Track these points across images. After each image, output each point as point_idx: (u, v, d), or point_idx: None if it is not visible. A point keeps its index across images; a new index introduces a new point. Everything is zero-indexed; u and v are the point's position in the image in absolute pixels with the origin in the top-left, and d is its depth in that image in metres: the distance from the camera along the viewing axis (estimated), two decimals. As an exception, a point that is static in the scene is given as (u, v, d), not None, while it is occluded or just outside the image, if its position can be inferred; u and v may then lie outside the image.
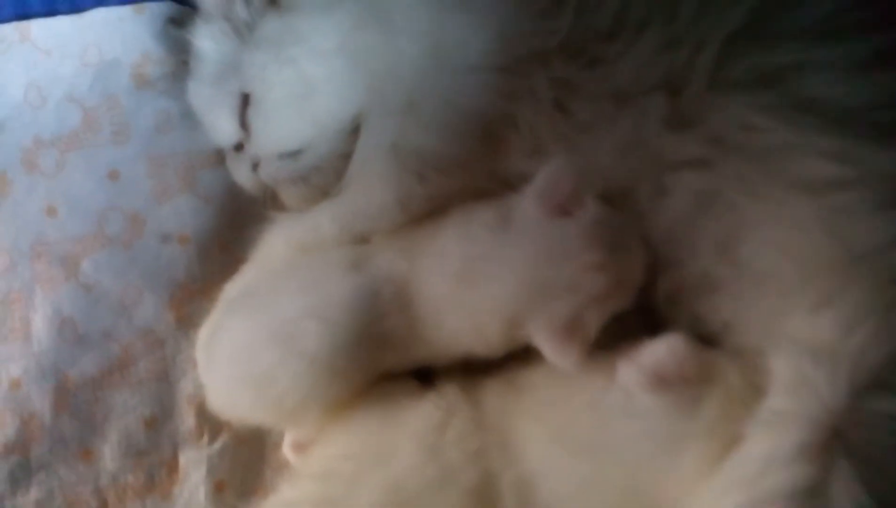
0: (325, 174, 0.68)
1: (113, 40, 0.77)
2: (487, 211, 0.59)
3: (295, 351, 0.58)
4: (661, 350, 0.52)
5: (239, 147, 0.72)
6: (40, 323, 0.71)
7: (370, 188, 0.64)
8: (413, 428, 0.59)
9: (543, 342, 0.55)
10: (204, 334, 0.68)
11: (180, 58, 0.76)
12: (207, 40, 0.70)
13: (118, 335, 0.72)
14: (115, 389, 0.71)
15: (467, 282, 0.57)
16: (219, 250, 0.74)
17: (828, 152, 0.53)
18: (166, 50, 0.78)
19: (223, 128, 0.71)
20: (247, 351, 0.60)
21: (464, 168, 0.62)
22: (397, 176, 0.63)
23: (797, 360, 0.49)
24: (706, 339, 0.56)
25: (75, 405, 0.70)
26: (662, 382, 0.51)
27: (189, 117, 0.76)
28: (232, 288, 0.68)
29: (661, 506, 0.51)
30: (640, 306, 0.58)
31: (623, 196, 0.58)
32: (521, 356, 0.59)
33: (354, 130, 0.66)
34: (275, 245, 0.67)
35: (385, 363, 0.61)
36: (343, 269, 0.61)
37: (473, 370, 0.62)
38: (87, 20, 0.77)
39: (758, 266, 0.54)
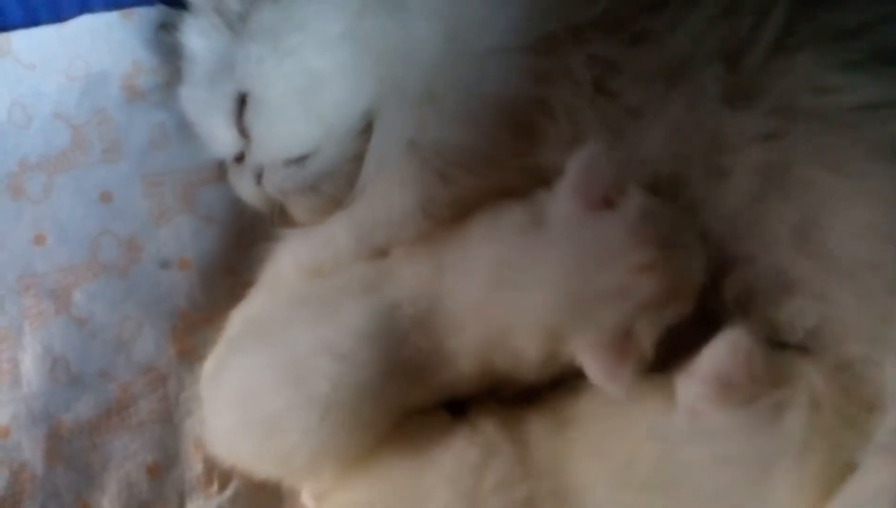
0: (337, 181, 0.63)
1: (100, 50, 0.73)
2: (517, 211, 0.54)
3: (306, 397, 0.52)
4: (720, 352, 0.47)
5: (240, 158, 0.67)
6: (30, 363, 0.67)
7: (389, 193, 0.59)
8: (447, 470, 0.54)
9: (590, 360, 0.50)
10: (209, 368, 0.63)
11: (174, 66, 0.71)
12: (198, 37, 0.65)
13: (116, 374, 0.68)
14: (113, 434, 0.67)
15: (498, 293, 0.52)
16: (223, 275, 0.70)
17: None
18: (159, 58, 0.73)
19: (220, 136, 0.66)
20: (253, 395, 0.54)
21: (493, 164, 0.57)
22: (418, 177, 0.58)
23: None
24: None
25: (70, 454, 0.65)
26: (730, 391, 0.46)
27: (186, 130, 0.71)
28: (239, 316, 0.63)
29: None
30: (703, 316, 0.51)
31: (674, 184, 0.53)
32: (566, 381, 0.55)
33: (366, 129, 0.61)
34: (285, 266, 0.62)
35: (410, 399, 0.55)
36: (356, 292, 0.56)
37: (513, 402, 0.57)
38: (72, 29, 0.72)
39: (849, 256, 0.48)
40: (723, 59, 0.52)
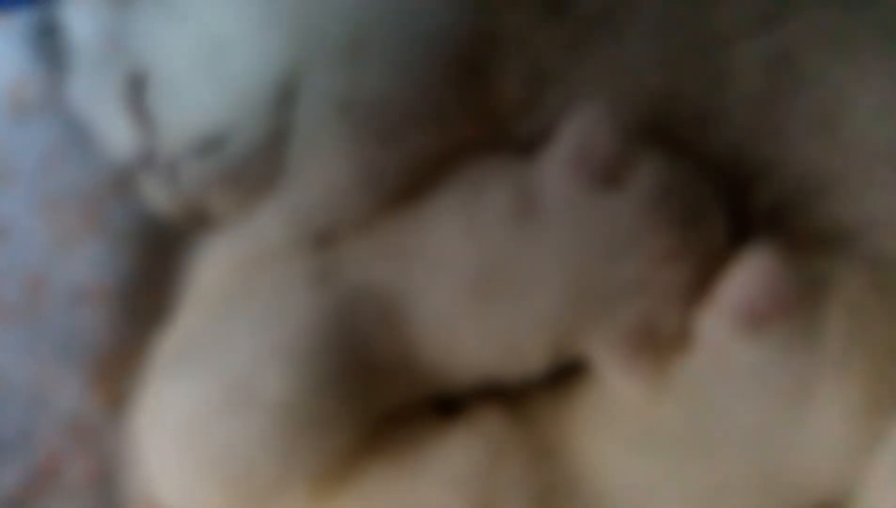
0: (262, 165, 0.56)
1: (-25, 66, 0.66)
2: (497, 194, 0.47)
3: (258, 409, 0.46)
4: (741, 280, 0.42)
5: (149, 161, 0.60)
6: None
7: (323, 166, 0.53)
8: (449, 474, 0.47)
9: (605, 359, 0.45)
10: (143, 408, 0.54)
11: (65, 73, 0.64)
12: (82, 19, 0.59)
13: (37, 434, 0.60)
14: (46, 501, 0.59)
15: (489, 295, 0.46)
16: (146, 299, 0.62)
17: None
18: (45, 67, 0.66)
19: (119, 130, 0.59)
20: (198, 423, 0.48)
21: (442, 117, 0.52)
22: (356, 143, 0.52)
23: None
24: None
25: None
26: (759, 321, 0.42)
27: (85, 143, 0.64)
28: (168, 340, 0.55)
29: (810, 487, 0.42)
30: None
31: (671, 100, 0.49)
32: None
33: (287, 99, 0.55)
34: (214, 272, 0.55)
35: (383, 400, 0.49)
36: (303, 287, 0.49)
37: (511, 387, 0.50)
38: (-60, 44, 0.65)
39: (873, 144, 0.45)
40: None
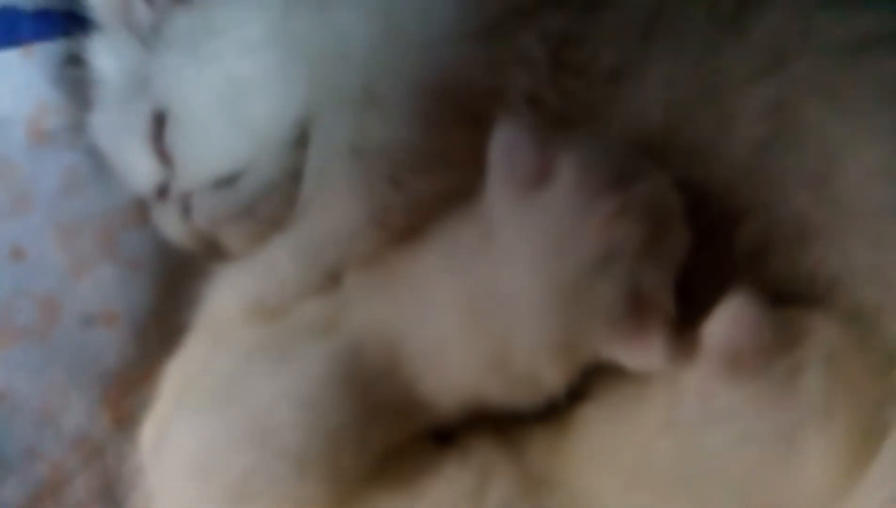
0: (274, 202, 0.57)
1: (0, 94, 0.66)
2: (465, 229, 0.48)
3: (276, 451, 0.46)
4: (723, 325, 0.42)
5: (163, 192, 0.61)
6: None
7: (334, 205, 0.54)
8: (441, 500, 0.48)
9: (615, 348, 0.44)
10: (149, 433, 0.55)
11: (84, 103, 0.66)
12: (107, 56, 0.60)
13: (44, 451, 0.61)
14: None
15: (478, 326, 0.46)
16: (156, 326, 0.64)
17: None
18: (66, 96, 0.67)
19: (139, 164, 0.60)
20: (212, 459, 0.48)
21: (449, 163, 0.53)
22: (365, 185, 0.53)
23: None
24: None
25: None
26: (740, 365, 0.42)
27: (102, 171, 0.65)
28: (176, 368, 0.56)
29: None
30: (715, 279, 0.46)
31: (671, 135, 0.49)
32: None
33: (302, 140, 0.56)
34: (225, 304, 0.56)
35: (388, 437, 0.49)
36: (312, 334, 0.50)
37: (505, 417, 0.51)
38: (-35, 72, 0.66)
39: (864, 201, 0.45)
40: (698, 7, 0.50)
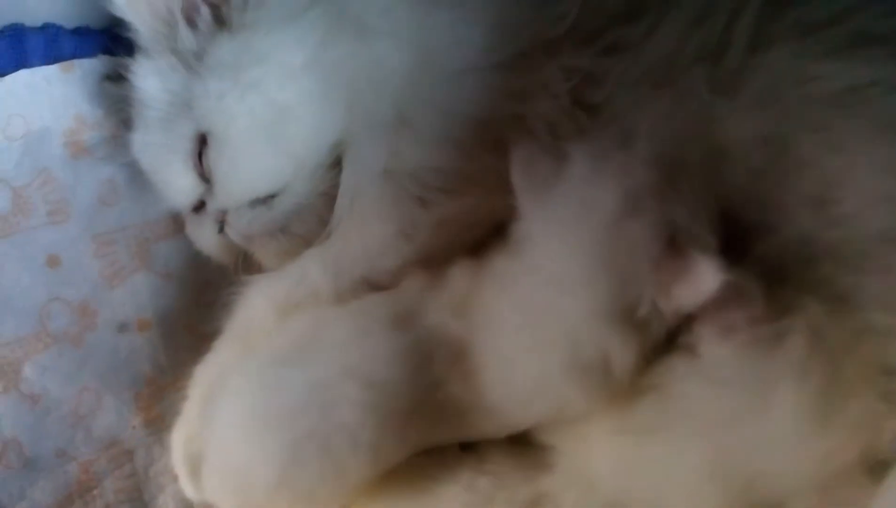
0: (307, 220, 0.59)
1: (40, 106, 0.68)
2: (506, 254, 0.50)
3: (333, 422, 0.48)
4: (721, 294, 0.43)
5: (199, 206, 0.63)
6: None
7: (365, 223, 0.56)
8: (458, 503, 0.51)
9: (669, 288, 0.44)
10: (179, 437, 0.57)
11: (121, 118, 0.67)
12: (151, 78, 0.61)
13: (75, 452, 0.63)
14: None
15: (539, 325, 0.47)
16: (187, 333, 0.66)
17: None
18: (103, 110, 0.69)
19: (179, 182, 0.62)
20: (274, 415, 0.50)
21: (473, 184, 0.55)
22: (395, 203, 0.55)
23: None
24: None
25: None
26: (730, 332, 0.44)
27: (138, 183, 0.67)
28: (203, 372, 0.58)
29: (763, 480, 0.44)
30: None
31: (673, 166, 0.50)
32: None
33: (336, 162, 0.58)
34: (258, 310, 0.58)
35: (440, 437, 0.52)
36: (385, 324, 0.51)
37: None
38: (9, 86, 0.67)
39: (867, 226, 0.46)
40: (704, 60, 0.52)
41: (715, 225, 0.46)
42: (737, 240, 0.48)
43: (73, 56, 0.69)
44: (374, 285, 0.56)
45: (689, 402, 0.45)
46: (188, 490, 0.56)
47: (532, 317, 0.47)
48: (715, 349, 0.44)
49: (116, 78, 0.67)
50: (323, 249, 0.57)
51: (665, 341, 0.46)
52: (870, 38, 0.50)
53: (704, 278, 0.43)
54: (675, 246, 0.44)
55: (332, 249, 0.57)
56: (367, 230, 0.56)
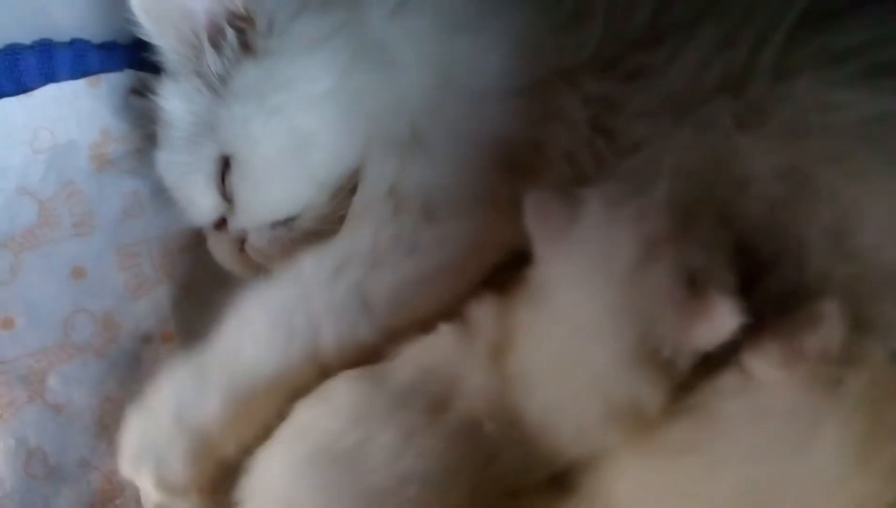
0: (325, 239, 0.59)
1: (67, 120, 0.69)
2: (526, 303, 0.50)
3: None
4: (804, 319, 0.44)
5: (221, 224, 0.64)
6: (2, 460, 0.62)
7: (362, 230, 0.56)
8: None
9: (689, 329, 0.44)
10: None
11: (145, 132, 0.68)
12: (176, 100, 0.62)
13: (99, 462, 0.64)
14: None
15: (570, 372, 0.47)
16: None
17: None
18: (129, 124, 0.71)
19: (202, 201, 0.62)
20: None
21: (482, 207, 0.55)
22: (393, 215, 0.55)
23: None
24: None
25: None
26: (796, 359, 0.43)
27: (160, 197, 0.68)
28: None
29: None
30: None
31: (695, 199, 0.50)
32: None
33: (356, 186, 0.59)
34: (249, 324, 0.56)
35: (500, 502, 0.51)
36: (428, 413, 0.50)
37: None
38: (37, 100, 0.69)
39: (884, 259, 0.46)
40: (726, 89, 0.52)
41: (733, 263, 0.45)
42: (753, 271, 0.47)
43: (100, 71, 0.70)
44: (372, 313, 0.55)
45: (730, 424, 0.44)
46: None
47: (564, 366, 0.47)
48: (771, 374, 0.44)
49: (142, 92, 0.68)
50: (326, 249, 0.57)
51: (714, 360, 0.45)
52: (890, 68, 0.49)
53: (723, 318, 0.43)
54: (694, 288, 0.44)
55: (325, 251, 0.56)
56: (359, 236, 0.56)
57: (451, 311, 0.53)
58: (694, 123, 0.52)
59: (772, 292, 0.48)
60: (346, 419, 0.50)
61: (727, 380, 0.45)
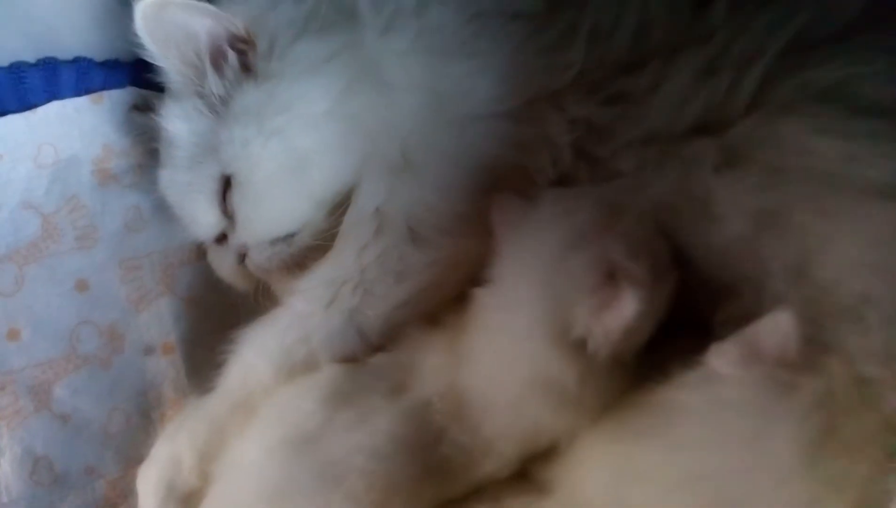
0: (322, 254, 0.61)
1: (70, 136, 0.71)
2: (485, 291, 0.54)
3: (344, 493, 0.51)
4: (763, 324, 0.46)
5: (221, 238, 0.65)
6: (8, 468, 0.63)
7: (349, 255, 0.59)
8: None
9: (597, 314, 0.48)
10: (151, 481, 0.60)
11: (147, 147, 0.70)
12: (178, 121, 0.63)
13: (104, 470, 0.65)
14: None
15: (509, 354, 0.51)
16: (208, 357, 0.65)
17: (893, 150, 0.49)
18: (131, 140, 0.72)
19: (203, 219, 0.64)
20: (287, 490, 0.53)
21: (468, 228, 0.58)
22: (381, 240, 0.58)
23: None
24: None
25: None
26: (755, 362, 0.46)
27: (162, 211, 0.70)
28: (194, 428, 0.60)
29: (740, 504, 0.45)
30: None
31: (665, 227, 0.53)
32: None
33: (347, 200, 0.61)
34: (251, 369, 0.59)
35: (449, 492, 0.54)
36: (385, 393, 0.55)
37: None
38: (40, 116, 0.70)
39: (846, 290, 0.48)
40: (707, 126, 0.53)
41: (660, 266, 0.49)
42: (711, 299, 0.51)
43: (103, 88, 0.71)
44: (366, 338, 0.58)
45: (689, 413, 0.47)
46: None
47: (500, 342, 0.52)
48: (732, 370, 0.46)
49: (144, 108, 0.70)
50: (317, 272, 0.59)
51: (679, 356, 0.48)
52: (871, 109, 0.51)
53: (625, 304, 0.47)
54: (611, 278, 0.48)
55: (311, 277, 0.59)
56: (341, 260, 0.58)
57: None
58: (676, 164, 0.53)
59: (731, 317, 0.51)
60: (317, 401, 0.55)
61: (691, 374, 0.48)
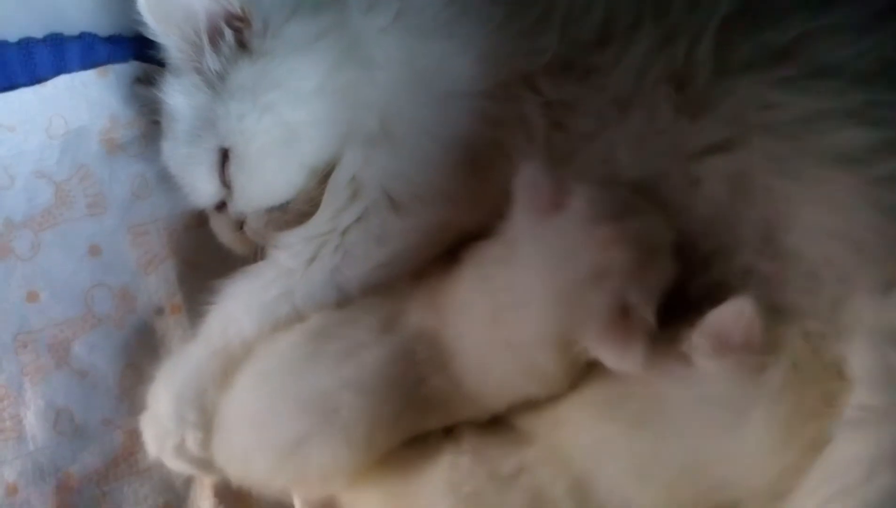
0: (309, 213, 0.64)
1: (78, 108, 0.74)
2: (493, 246, 0.56)
3: (331, 424, 0.55)
4: (727, 314, 0.49)
5: (221, 206, 0.69)
6: (33, 419, 0.68)
7: (320, 215, 0.62)
8: (445, 481, 0.56)
9: (601, 348, 0.50)
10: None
11: (151, 118, 0.73)
12: (179, 96, 0.65)
13: (120, 421, 0.69)
14: (122, 480, 0.68)
15: (501, 322, 0.54)
16: None
17: (856, 112, 0.50)
18: (135, 112, 0.75)
19: (203, 188, 0.67)
20: (276, 416, 0.57)
21: (446, 199, 0.60)
22: (354, 200, 0.61)
23: (879, 350, 0.46)
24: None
25: (80, 505, 0.66)
26: (724, 349, 0.49)
27: (166, 179, 0.72)
28: (174, 373, 0.63)
29: (726, 484, 0.49)
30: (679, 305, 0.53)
31: (653, 191, 0.55)
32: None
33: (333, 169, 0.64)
34: (232, 320, 0.63)
35: (427, 426, 0.58)
36: (375, 332, 0.58)
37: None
38: (50, 89, 0.73)
39: (808, 255, 0.51)
40: (670, 81, 0.55)
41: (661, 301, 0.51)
42: (690, 265, 0.53)
43: (108, 62, 0.75)
44: (347, 296, 0.61)
45: (675, 407, 0.51)
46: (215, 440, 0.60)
47: (499, 318, 0.53)
48: (706, 363, 0.49)
49: (147, 81, 0.72)
50: (290, 240, 0.63)
51: (668, 345, 0.51)
52: (827, 69, 0.52)
53: (630, 359, 0.49)
54: (620, 321, 0.49)
55: (291, 235, 0.63)
56: (324, 218, 0.62)
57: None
58: (640, 112, 0.55)
59: (703, 286, 0.54)
60: (305, 333, 0.58)
61: (675, 368, 0.50)
